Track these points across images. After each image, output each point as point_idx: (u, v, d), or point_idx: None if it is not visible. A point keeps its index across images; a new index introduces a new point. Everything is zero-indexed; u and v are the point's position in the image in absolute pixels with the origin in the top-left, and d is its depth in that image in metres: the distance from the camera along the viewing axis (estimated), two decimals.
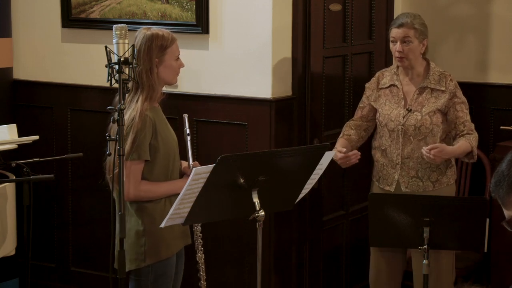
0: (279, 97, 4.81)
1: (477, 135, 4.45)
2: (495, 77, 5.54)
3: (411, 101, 4.45)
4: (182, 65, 3.96)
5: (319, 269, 5.17)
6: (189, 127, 3.98)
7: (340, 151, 4.42)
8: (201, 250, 3.98)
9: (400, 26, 4.41)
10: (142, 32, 3.88)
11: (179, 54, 3.94)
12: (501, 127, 5.40)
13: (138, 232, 3.82)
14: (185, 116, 4.00)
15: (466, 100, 4.48)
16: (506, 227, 2.37)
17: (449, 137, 4.52)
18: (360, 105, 4.65)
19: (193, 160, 3.94)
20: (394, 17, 5.50)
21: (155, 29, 3.90)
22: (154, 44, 3.84)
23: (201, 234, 3.99)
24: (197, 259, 3.99)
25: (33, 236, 4.70)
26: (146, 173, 3.82)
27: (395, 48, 4.42)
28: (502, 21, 5.50)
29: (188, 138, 3.94)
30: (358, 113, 4.66)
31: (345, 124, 4.69)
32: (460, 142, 4.40)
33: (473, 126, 4.46)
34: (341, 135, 4.65)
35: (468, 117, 4.46)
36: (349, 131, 4.63)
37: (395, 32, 4.43)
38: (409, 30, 4.40)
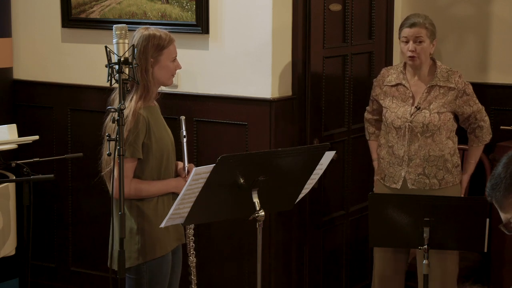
0: (279, 97, 4.80)
1: (488, 122, 4.59)
2: (495, 77, 5.54)
3: (420, 99, 4.47)
4: (179, 67, 3.94)
5: (319, 269, 5.16)
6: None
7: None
8: (193, 253, 3.97)
9: (413, 25, 4.43)
10: (140, 31, 3.87)
11: (176, 56, 3.92)
12: (501, 127, 5.39)
13: (131, 230, 3.81)
14: (182, 118, 3.99)
15: (474, 94, 4.55)
16: (503, 230, 2.37)
17: (454, 135, 4.55)
18: (371, 98, 4.72)
19: (189, 162, 3.94)
20: (394, 17, 5.52)
21: (153, 29, 3.88)
22: (150, 44, 3.82)
23: (193, 238, 3.98)
24: (189, 263, 3.98)
25: (33, 236, 4.70)
26: (138, 172, 3.81)
27: (407, 47, 4.44)
28: (502, 21, 5.50)
29: (185, 140, 3.93)
30: (371, 106, 4.74)
31: (365, 119, 4.78)
32: (472, 152, 4.62)
33: (483, 110, 4.57)
34: (368, 136, 4.76)
35: (477, 107, 4.54)
36: (372, 129, 4.73)
37: (407, 32, 4.44)
38: (421, 29, 4.43)
